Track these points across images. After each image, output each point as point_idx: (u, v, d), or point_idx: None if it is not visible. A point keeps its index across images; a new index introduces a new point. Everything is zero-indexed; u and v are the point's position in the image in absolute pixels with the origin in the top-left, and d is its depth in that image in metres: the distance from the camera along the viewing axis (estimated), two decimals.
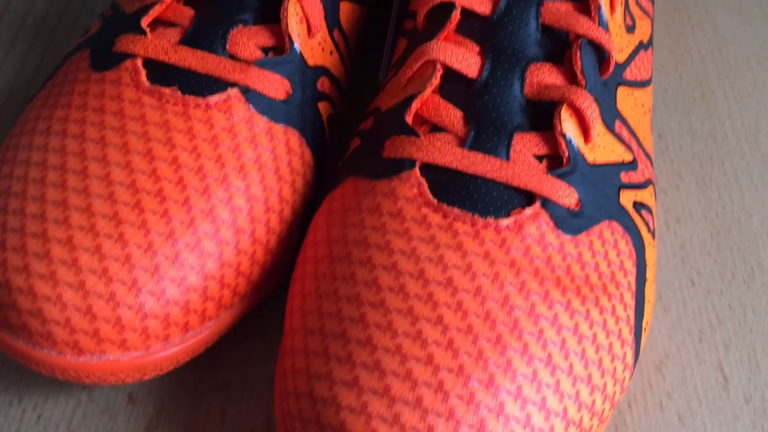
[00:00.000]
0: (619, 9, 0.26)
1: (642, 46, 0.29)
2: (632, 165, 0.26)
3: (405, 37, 0.28)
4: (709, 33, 0.40)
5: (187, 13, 0.26)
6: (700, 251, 0.31)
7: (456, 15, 0.25)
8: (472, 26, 0.25)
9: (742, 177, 0.34)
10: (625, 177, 0.26)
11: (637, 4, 0.29)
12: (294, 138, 0.26)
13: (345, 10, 0.29)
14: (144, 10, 0.26)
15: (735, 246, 0.31)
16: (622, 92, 0.27)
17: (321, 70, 0.27)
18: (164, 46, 0.25)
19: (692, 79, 0.38)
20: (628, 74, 0.27)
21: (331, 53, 0.28)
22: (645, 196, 0.27)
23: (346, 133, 0.30)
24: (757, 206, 0.32)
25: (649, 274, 0.25)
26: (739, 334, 0.29)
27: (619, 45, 0.27)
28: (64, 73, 0.27)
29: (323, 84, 0.27)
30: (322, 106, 0.27)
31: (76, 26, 0.37)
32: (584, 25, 0.25)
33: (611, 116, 0.26)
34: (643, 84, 0.29)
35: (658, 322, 0.29)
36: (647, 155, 0.28)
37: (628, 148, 0.26)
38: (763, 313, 0.29)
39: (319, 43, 0.27)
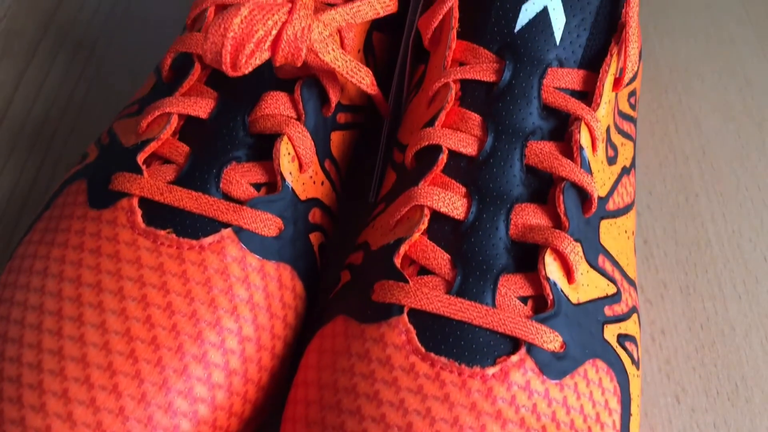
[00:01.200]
0: (601, 146, 0.27)
1: (625, 172, 0.30)
2: (616, 297, 0.27)
3: (394, 169, 0.29)
4: (692, 132, 0.41)
5: (182, 150, 0.27)
6: (685, 366, 0.32)
7: (443, 158, 0.26)
8: (459, 166, 0.26)
9: (726, 286, 0.34)
10: (608, 311, 0.26)
11: (619, 131, 0.30)
12: (286, 272, 0.27)
13: (336, 139, 0.29)
14: (141, 145, 0.27)
15: (719, 360, 0.32)
16: (604, 225, 0.27)
17: (313, 203, 0.28)
18: (159, 186, 0.26)
19: (676, 181, 0.38)
20: (611, 205, 0.28)
21: (322, 184, 0.29)
22: (629, 326, 0.27)
23: (335, 254, 0.31)
24: (740, 317, 0.33)
25: (634, 408, 0.26)
26: None
27: (601, 180, 0.27)
28: (61, 205, 0.28)
29: (315, 215, 0.28)
30: (314, 237, 0.28)
31: (75, 131, 0.38)
32: (567, 168, 0.26)
33: (594, 252, 0.26)
34: (626, 210, 0.29)
35: None
36: (631, 281, 0.28)
37: (612, 281, 0.27)
38: None
39: (311, 177, 0.28)
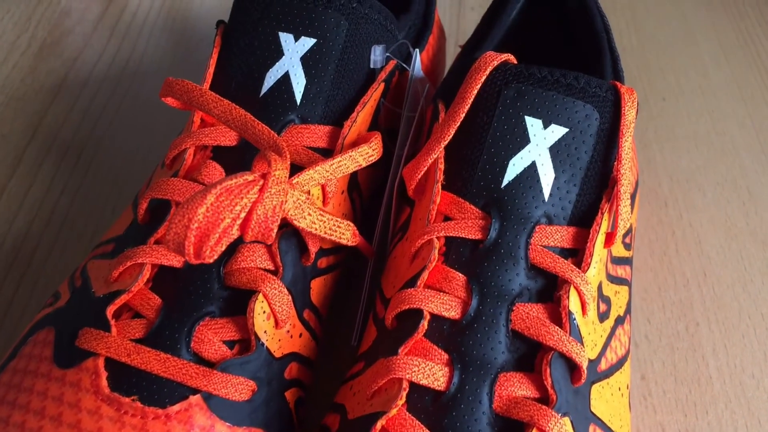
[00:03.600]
0: (592, 305, 0.26)
1: (619, 322, 0.28)
2: None
3: (375, 324, 0.27)
4: (693, 252, 0.39)
5: (153, 303, 0.26)
6: None
7: (423, 325, 0.25)
8: (441, 330, 0.25)
9: (727, 430, 0.33)
10: None
11: (612, 281, 0.28)
12: None
13: (316, 286, 0.28)
14: (111, 297, 0.26)
15: None
16: (596, 390, 0.26)
17: (289, 358, 0.27)
18: (127, 347, 0.25)
19: (676, 307, 0.37)
20: (603, 365, 0.27)
21: (300, 336, 0.27)
22: None
23: (315, 397, 0.30)
24: None
25: None
26: None
27: (592, 341, 0.26)
28: (27, 356, 0.26)
29: (291, 371, 0.27)
30: (290, 394, 0.27)
31: (56, 247, 0.37)
32: (554, 338, 0.24)
33: (584, 423, 0.25)
34: (619, 365, 0.28)
35: None
36: None
37: None
38: None
39: (288, 332, 0.27)
